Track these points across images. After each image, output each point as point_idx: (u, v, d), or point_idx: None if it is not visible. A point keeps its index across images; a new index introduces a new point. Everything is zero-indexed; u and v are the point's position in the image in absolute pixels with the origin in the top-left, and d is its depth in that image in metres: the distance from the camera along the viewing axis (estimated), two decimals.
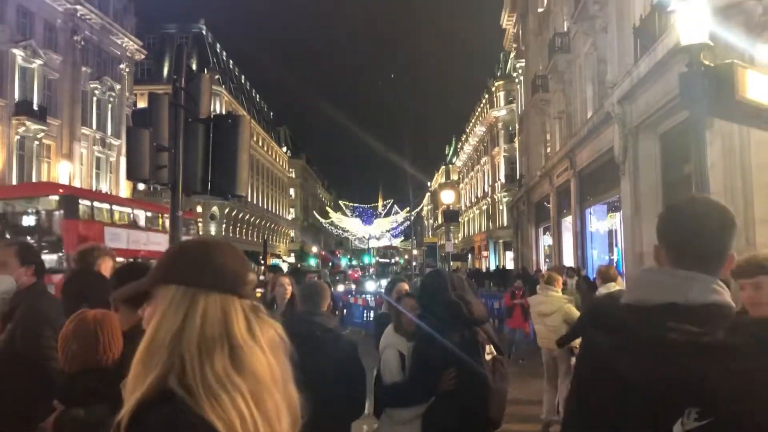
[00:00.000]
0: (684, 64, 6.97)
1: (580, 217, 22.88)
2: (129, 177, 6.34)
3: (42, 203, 22.11)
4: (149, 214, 27.16)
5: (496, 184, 58.74)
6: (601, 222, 21.54)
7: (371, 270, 61.60)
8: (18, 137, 32.97)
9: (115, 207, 25.10)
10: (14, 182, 32.12)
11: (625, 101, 15.58)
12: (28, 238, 18.39)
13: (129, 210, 26.30)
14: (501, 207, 56.25)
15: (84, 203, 22.30)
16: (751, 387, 1.40)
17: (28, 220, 21.69)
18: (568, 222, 25.38)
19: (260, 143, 74.97)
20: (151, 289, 1.42)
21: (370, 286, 22.96)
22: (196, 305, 1.34)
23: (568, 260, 23.97)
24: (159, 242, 22.97)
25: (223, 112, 60.97)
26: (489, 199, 62.55)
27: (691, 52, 6.55)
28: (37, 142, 34.25)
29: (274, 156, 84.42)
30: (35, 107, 33.83)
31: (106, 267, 3.86)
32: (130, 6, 44.94)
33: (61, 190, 23.25)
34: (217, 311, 1.35)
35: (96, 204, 23.33)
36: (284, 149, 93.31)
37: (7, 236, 18.58)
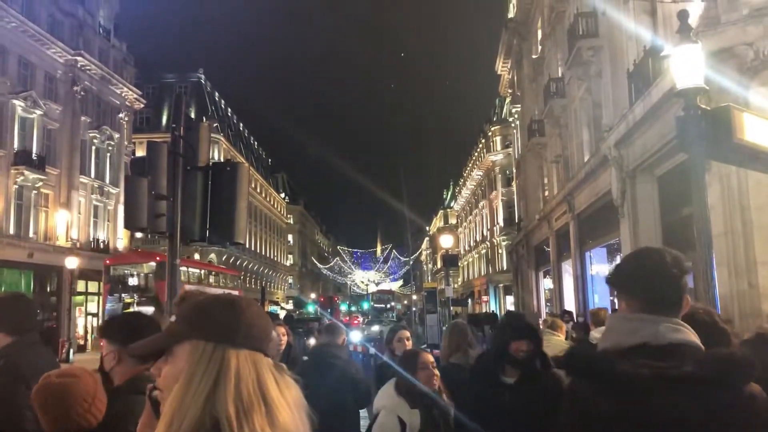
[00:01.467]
0: (679, 108, 7.03)
1: (580, 260, 22.79)
2: (127, 226, 6.33)
3: (142, 268, 30.07)
4: (222, 275, 38.87)
5: (494, 228, 58.77)
6: (602, 265, 21.45)
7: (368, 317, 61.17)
8: (16, 187, 33.04)
9: (193, 269, 33.63)
10: (11, 232, 32.08)
11: (622, 145, 15.68)
12: (134, 294, 27.54)
13: (206, 271, 36.36)
14: (500, 251, 56.12)
15: None
16: (717, 414, 1.59)
17: (134, 281, 29.42)
18: (568, 265, 25.27)
19: (258, 190, 75.28)
20: (174, 344, 1.36)
21: (357, 336, 22.78)
22: (228, 363, 1.29)
23: (569, 304, 23.78)
24: None
25: (222, 160, 61.44)
26: (488, 243, 62.49)
27: (687, 96, 6.61)
28: (35, 192, 34.31)
29: (272, 202, 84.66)
30: (34, 157, 33.99)
31: None
32: (129, 57, 45.64)
33: (158, 258, 29.17)
34: (250, 369, 1.31)
35: (182, 268, 24.86)
36: (282, 195, 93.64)
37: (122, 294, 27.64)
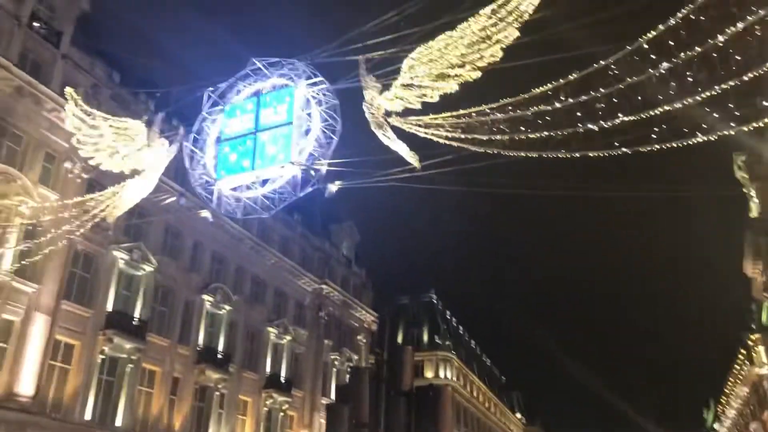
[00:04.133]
0: None
1: None
2: None
3: None
4: None
5: None
6: None
7: None
8: (266, 410, 35.40)
9: None
10: None
11: None
12: None
13: None
14: None
15: None
16: None
17: None
18: None
19: (492, 409, 72.53)
20: None
21: None
22: None
23: None
24: None
25: (454, 378, 61.01)
26: None
27: None
28: (282, 414, 36.38)
29: (506, 422, 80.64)
30: (282, 380, 36.59)
31: None
32: (367, 282, 49.34)
33: None
34: None
35: None
36: (518, 415, 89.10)
37: None
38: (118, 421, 26.28)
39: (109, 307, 26.73)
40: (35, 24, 24.95)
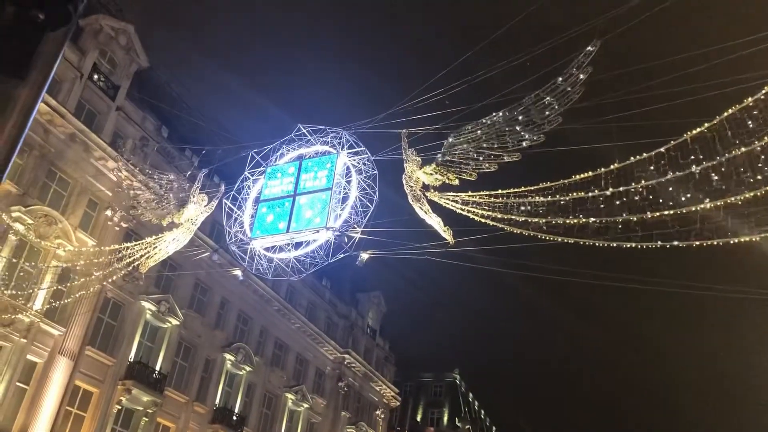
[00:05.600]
0: None
1: None
2: None
3: None
4: None
5: None
6: None
7: None
8: None
9: None
10: None
11: None
12: None
13: None
14: None
15: None
16: None
17: None
18: None
19: None
20: None
21: None
22: None
23: None
24: None
25: None
26: None
27: None
28: None
29: None
30: None
31: None
32: (391, 355, 48.52)
33: None
34: None
35: None
36: None
37: None
38: None
39: (131, 357, 26.71)
40: (95, 77, 26.14)
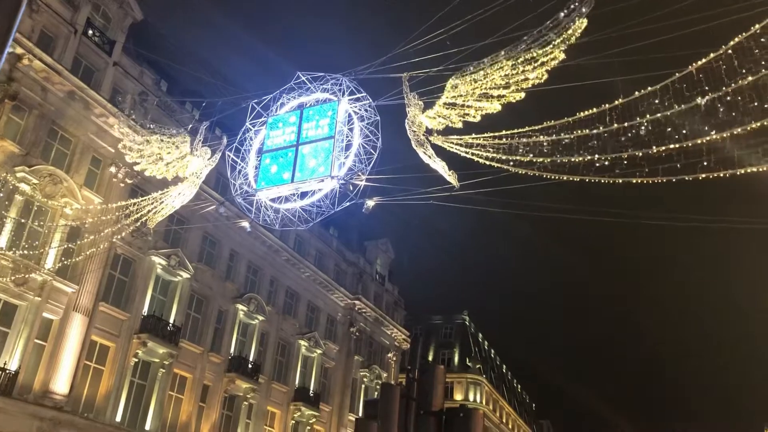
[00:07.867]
0: None
1: None
2: None
3: None
4: None
5: None
6: None
7: None
8: (293, 422, 35.37)
9: None
10: None
11: None
12: None
13: None
14: None
15: None
16: None
17: None
18: None
19: None
20: None
21: None
22: None
23: None
24: None
25: (484, 402, 60.21)
26: None
27: None
28: (308, 428, 36.29)
29: None
30: (311, 394, 36.56)
31: None
32: (400, 300, 49.18)
33: None
34: None
35: None
36: None
37: None
38: (148, 425, 26.54)
39: (145, 311, 27.14)
40: (90, 32, 25.74)
